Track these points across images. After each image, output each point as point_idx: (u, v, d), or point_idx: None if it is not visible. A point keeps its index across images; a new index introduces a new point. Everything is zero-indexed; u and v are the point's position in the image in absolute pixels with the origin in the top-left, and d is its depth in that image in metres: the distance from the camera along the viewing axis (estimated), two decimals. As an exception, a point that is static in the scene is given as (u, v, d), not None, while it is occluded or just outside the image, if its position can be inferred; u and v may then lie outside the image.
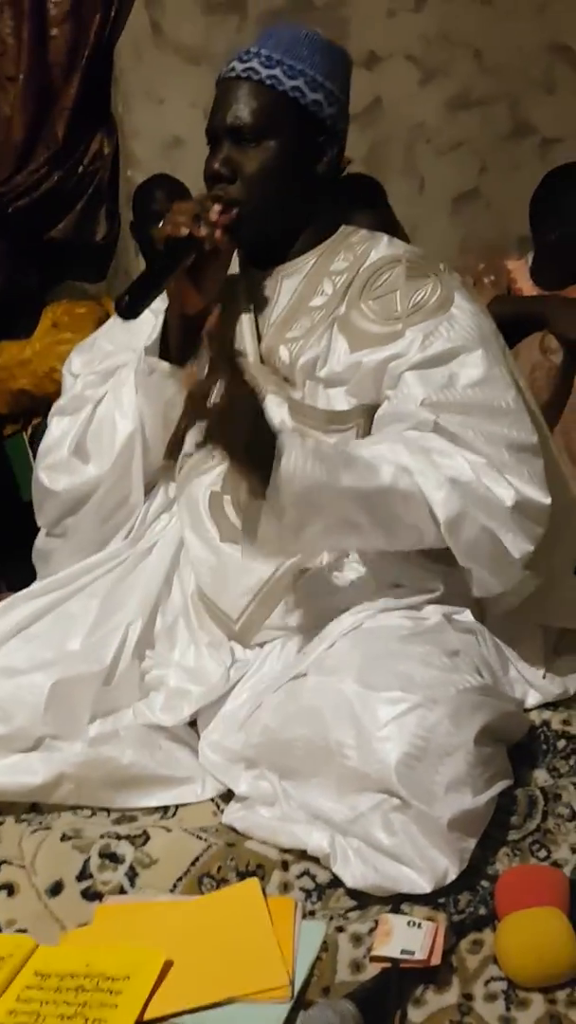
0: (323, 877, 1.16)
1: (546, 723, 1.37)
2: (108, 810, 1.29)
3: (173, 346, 1.38)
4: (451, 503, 1.23)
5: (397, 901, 1.10)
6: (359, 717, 1.13)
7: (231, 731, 1.29)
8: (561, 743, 1.34)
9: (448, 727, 1.12)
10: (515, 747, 1.29)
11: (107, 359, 1.47)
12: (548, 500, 1.28)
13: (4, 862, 1.20)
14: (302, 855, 1.17)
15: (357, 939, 1.07)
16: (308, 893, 1.15)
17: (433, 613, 1.31)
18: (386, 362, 1.31)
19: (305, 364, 1.36)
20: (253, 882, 1.15)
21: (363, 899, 1.12)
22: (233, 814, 1.24)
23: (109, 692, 1.32)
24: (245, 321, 1.41)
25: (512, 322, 2.06)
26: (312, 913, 1.12)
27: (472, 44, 2.85)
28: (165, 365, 1.37)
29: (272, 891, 1.15)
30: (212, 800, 1.29)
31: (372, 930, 1.07)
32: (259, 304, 1.41)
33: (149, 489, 1.46)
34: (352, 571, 1.34)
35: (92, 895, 1.17)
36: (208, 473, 1.39)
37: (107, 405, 1.42)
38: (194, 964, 1.06)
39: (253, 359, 1.39)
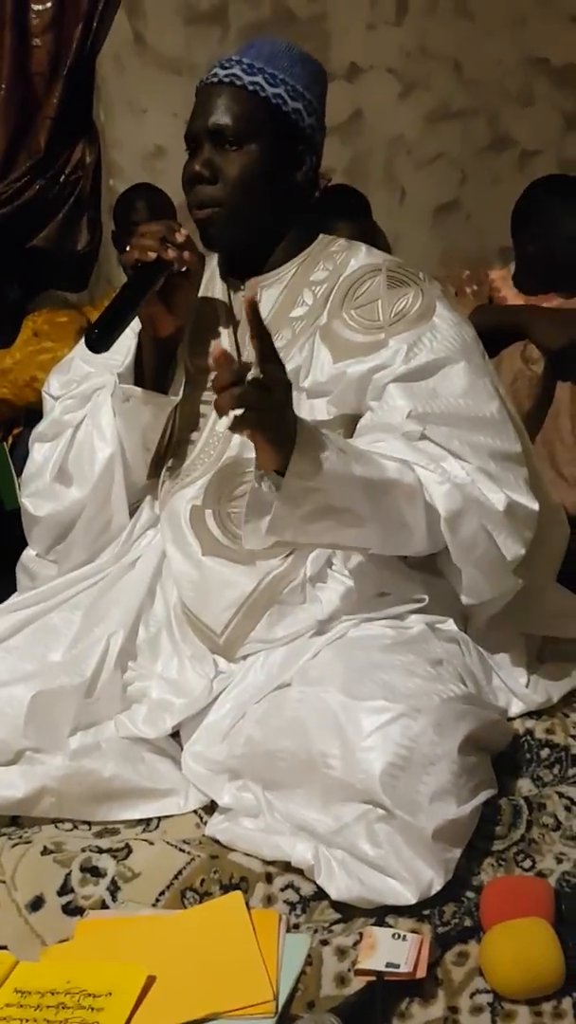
0: (307, 889, 1.15)
1: (530, 732, 1.37)
2: (90, 823, 1.28)
3: (148, 369, 1.38)
4: (453, 498, 1.24)
5: (382, 913, 1.09)
6: (343, 727, 1.12)
7: (214, 742, 1.28)
8: (545, 752, 1.34)
9: (432, 736, 1.11)
10: (499, 756, 1.29)
11: (85, 381, 1.46)
12: (536, 506, 1.30)
13: (-17, 877, 1.19)
14: (286, 867, 1.16)
15: (342, 952, 1.07)
16: (292, 906, 1.14)
17: (416, 622, 1.31)
18: (370, 373, 1.31)
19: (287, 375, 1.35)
20: (237, 895, 1.14)
21: (348, 911, 1.11)
22: (216, 826, 1.23)
23: (91, 704, 1.31)
24: (224, 333, 1.41)
25: (494, 332, 2.08)
26: (296, 926, 1.12)
27: (451, 57, 2.87)
28: (139, 391, 1.37)
29: (256, 904, 1.14)
30: (195, 812, 1.28)
31: (357, 943, 1.06)
32: (239, 315, 1.41)
33: (135, 508, 1.45)
34: (335, 581, 1.34)
35: (73, 910, 1.16)
36: (189, 487, 1.38)
37: (86, 429, 1.42)
38: (177, 980, 1.05)
39: None
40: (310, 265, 1.41)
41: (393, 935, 1.05)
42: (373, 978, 1.02)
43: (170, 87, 2.78)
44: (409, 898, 1.08)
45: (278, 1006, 1.02)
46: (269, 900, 1.15)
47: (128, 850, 1.21)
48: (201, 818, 1.28)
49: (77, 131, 2.70)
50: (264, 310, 1.38)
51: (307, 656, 1.26)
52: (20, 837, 1.25)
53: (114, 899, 1.16)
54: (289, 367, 1.33)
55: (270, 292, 1.40)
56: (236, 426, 1.11)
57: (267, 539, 1.19)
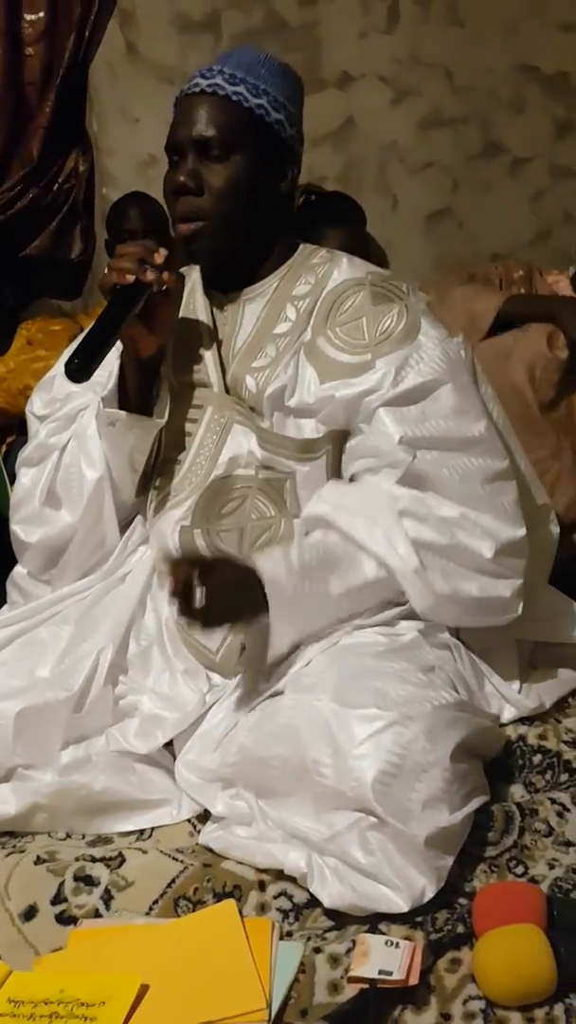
0: (300, 897, 1.15)
1: (522, 738, 1.37)
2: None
3: (131, 390, 1.37)
4: (425, 597, 1.27)
5: (374, 920, 1.09)
6: (335, 735, 1.12)
7: (207, 751, 1.28)
8: (537, 758, 1.34)
9: (424, 744, 1.12)
10: (491, 762, 1.30)
11: (68, 400, 1.45)
12: (523, 531, 1.32)
13: (-23, 887, 1.19)
14: (279, 875, 1.16)
15: (335, 960, 1.07)
16: (285, 914, 1.14)
17: (408, 629, 1.31)
18: (360, 397, 1.31)
19: (272, 394, 1.34)
20: (230, 903, 1.14)
21: (340, 919, 1.12)
22: (209, 834, 1.23)
23: (81, 719, 1.31)
24: (206, 350, 1.40)
25: (524, 321, 2.09)
26: (289, 934, 1.12)
27: (443, 65, 2.88)
28: (124, 416, 1.36)
29: (249, 912, 1.14)
30: (188, 821, 1.29)
31: (350, 950, 1.06)
32: (221, 331, 1.40)
33: (128, 524, 1.45)
34: None
35: (67, 919, 1.16)
36: (177, 508, 1.38)
37: (72, 453, 1.41)
38: (170, 988, 1.05)
39: (218, 389, 1.39)
40: (292, 278, 1.40)
41: (386, 942, 1.05)
42: (366, 985, 1.02)
43: (163, 96, 2.77)
44: (402, 906, 1.08)
45: (271, 1014, 1.02)
46: (262, 908, 1.15)
47: (121, 859, 1.21)
48: (194, 826, 1.28)
49: (70, 140, 2.71)
50: (247, 325, 1.38)
51: (299, 663, 1.27)
52: (13, 846, 1.25)
53: (107, 908, 1.16)
54: (274, 386, 1.34)
55: (253, 306, 1.39)
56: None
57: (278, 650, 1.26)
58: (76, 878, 1.18)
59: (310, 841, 1.14)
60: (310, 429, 1.34)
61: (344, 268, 1.40)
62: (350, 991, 1.03)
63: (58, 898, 1.17)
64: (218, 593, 1.18)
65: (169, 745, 1.33)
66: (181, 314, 1.40)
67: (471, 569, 1.28)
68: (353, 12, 2.82)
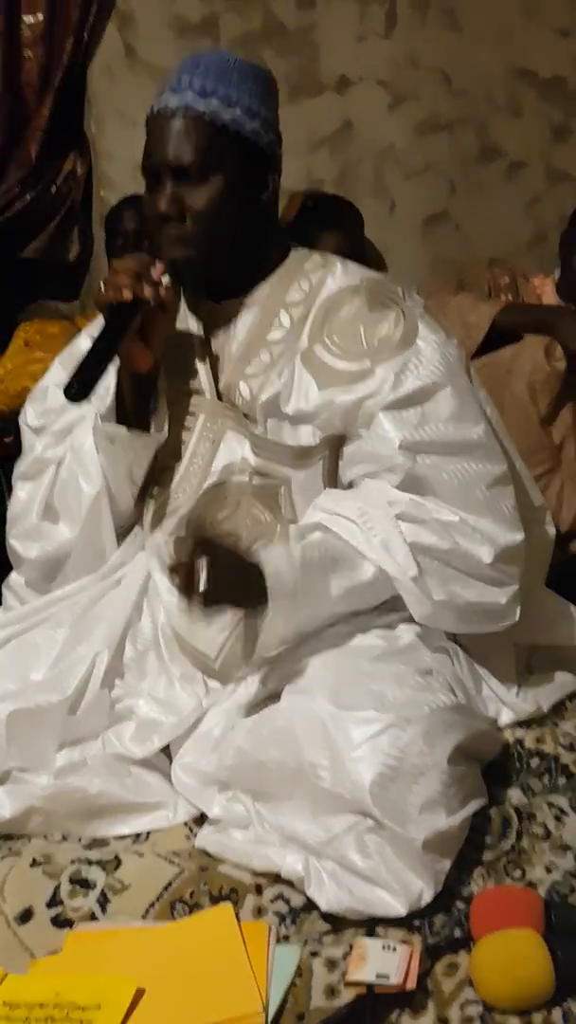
0: (297, 901, 1.15)
1: (519, 741, 1.37)
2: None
3: (129, 406, 1.35)
4: (423, 605, 1.27)
5: (372, 924, 1.09)
6: (332, 738, 1.12)
7: (204, 753, 1.28)
8: (535, 761, 1.34)
9: (421, 747, 1.12)
10: (489, 766, 1.30)
11: (63, 412, 1.43)
12: (521, 535, 1.32)
13: (-28, 890, 1.18)
14: (276, 878, 1.16)
15: (332, 964, 1.07)
16: (282, 917, 1.14)
17: (406, 632, 1.31)
18: (360, 402, 1.30)
19: (267, 400, 1.34)
20: (226, 907, 1.13)
21: (338, 923, 1.11)
22: (206, 837, 1.23)
23: (76, 722, 1.30)
24: (199, 358, 1.39)
25: (519, 331, 2.08)
26: (286, 938, 1.11)
27: (440, 69, 2.88)
28: (124, 432, 1.34)
29: (246, 915, 1.14)
30: (185, 823, 1.28)
31: (347, 954, 1.06)
32: (213, 338, 1.39)
33: (126, 533, 1.44)
34: None
35: (62, 922, 1.15)
36: (172, 516, 1.37)
37: (69, 467, 1.40)
38: (166, 992, 1.04)
39: (210, 396, 1.38)
40: (284, 284, 1.38)
41: (383, 946, 1.04)
42: (363, 989, 1.02)
43: (161, 98, 2.78)
44: (399, 909, 1.08)
45: (268, 1018, 1.01)
46: (259, 911, 1.14)
47: (118, 862, 1.20)
48: (191, 829, 1.27)
49: (68, 142, 2.71)
50: (240, 333, 1.37)
51: (297, 666, 1.26)
52: (9, 849, 1.24)
53: (103, 911, 1.16)
54: (268, 392, 1.33)
55: (245, 313, 1.37)
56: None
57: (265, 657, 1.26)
58: (72, 881, 1.18)
59: (307, 844, 1.13)
60: (307, 436, 1.33)
61: (338, 274, 1.38)
62: (347, 995, 1.03)
63: (54, 901, 1.16)
64: (221, 577, 1.16)
65: (165, 748, 1.33)
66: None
67: (469, 574, 1.28)
68: (351, 16, 2.82)
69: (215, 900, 1.15)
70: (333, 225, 2.46)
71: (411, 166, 2.95)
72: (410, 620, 1.32)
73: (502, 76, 2.94)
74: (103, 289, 1.28)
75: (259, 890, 1.16)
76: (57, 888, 1.17)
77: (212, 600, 1.17)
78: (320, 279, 1.37)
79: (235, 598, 1.21)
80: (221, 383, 1.38)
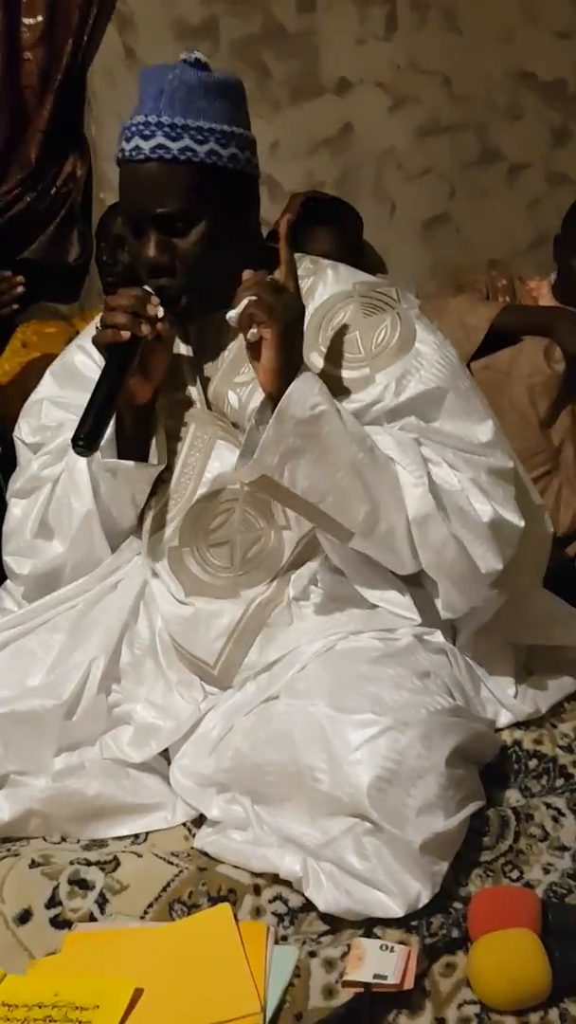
0: (295, 901, 1.15)
1: (518, 743, 1.37)
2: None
3: (129, 434, 1.34)
4: (424, 502, 1.23)
5: (369, 924, 1.09)
6: (330, 740, 1.13)
7: (202, 755, 1.28)
8: (533, 763, 1.35)
9: (419, 749, 1.12)
10: (487, 767, 1.30)
11: (59, 430, 1.42)
12: (522, 523, 1.31)
13: (-29, 890, 1.18)
14: (274, 879, 1.16)
15: (330, 964, 1.07)
16: (280, 918, 1.14)
17: (404, 634, 1.31)
18: (363, 411, 1.29)
19: (256, 409, 1.31)
20: (225, 907, 1.14)
21: (335, 923, 1.12)
22: (205, 838, 1.23)
23: (73, 727, 1.30)
24: (187, 367, 1.38)
25: (519, 332, 2.08)
26: (284, 938, 1.12)
27: (441, 72, 2.89)
28: (125, 465, 1.32)
29: (244, 916, 1.14)
30: (184, 824, 1.29)
31: (344, 955, 1.06)
32: (203, 348, 1.38)
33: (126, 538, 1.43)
34: (321, 599, 1.33)
35: (61, 923, 1.16)
36: (167, 526, 1.36)
37: (64, 485, 1.39)
38: (165, 992, 1.05)
39: (200, 406, 1.37)
40: None
41: (381, 947, 1.05)
42: (361, 990, 1.02)
43: (161, 101, 2.78)
44: (397, 911, 1.08)
45: (265, 1018, 1.02)
46: (257, 912, 1.15)
47: (116, 863, 1.21)
48: (189, 830, 1.28)
49: (68, 144, 2.71)
50: (230, 342, 1.36)
51: (295, 669, 1.27)
52: (8, 850, 1.24)
53: (102, 912, 1.16)
54: (258, 401, 1.31)
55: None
56: (255, 308, 1.15)
57: (256, 469, 1.19)
58: (71, 882, 1.18)
59: (305, 847, 1.14)
60: None
61: (330, 281, 1.37)
62: (345, 995, 1.03)
63: (53, 902, 1.17)
64: (285, 315, 1.17)
65: (164, 750, 1.33)
66: None
67: (465, 524, 1.26)
68: (351, 19, 2.82)
69: (213, 901, 1.16)
70: (329, 225, 2.46)
71: (411, 169, 2.95)
72: (408, 623, 1.32)
73: (502, 79, 2.94)
74: (102, 330, 1.26)
75: (257, 891, 1.16)
76: (56, 889, 1.18)
77: (277, 329, 1.16)
78: (311, 287, 1.36)
79: (287, 351, 1.18)
80: (210, 392, 1.37)
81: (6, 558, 1.46)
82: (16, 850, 1.24)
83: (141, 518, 1.41)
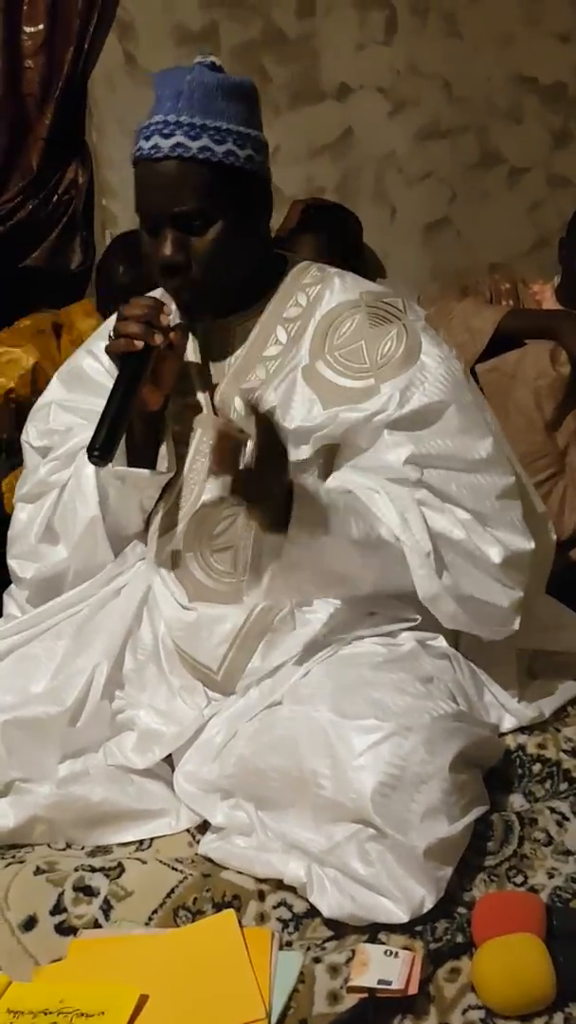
0: (300, 907, 1.15)
1: (521, 747, 1.37)
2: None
3: (140, 443, 1.34)
4: (431, 585, 1.26)
5: (374, 930, 1.09)
6: (334, 746, 1.13)
7: (206, 761, 1.28)
8: (537, 767, 1.35)
9: (423, 755, 1.12)
10: (491, 772, 1.30)
11: (68, 435, 1.43)
12: (532, 545, 1.31)
13: (-24, 898, 1.19)
14: (279, 885, 1.17)
15: (334, 969, 1.07)
16: (285, 923, 1.14)
17: (407, 639, 1.31)
18: (366, 420, 1.29)
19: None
20: (229, 913, 1.14)
21: (340, 929, 1.12)
22: (209, 844, 1.23)
23: (77, 733, 1.31)
24: (195, 371, 1.38)
25: (524, 336, 2.08)
26: (289, 944, 1.12)
27: (441, 76, 2.89)
28: (134, 473, 1.32)
29: (248, 922, 1.14)
30: (188, 831, 1.29)
31: (349, 960, 1.06)
32: (211, 352, 1.38)
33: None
34: (324, 604, 1.33)
35: (66, 929, 1.16)
36: (172, 531, 1.36)
37: (70, 491, 1.40)
38: (170, 998, 1.05)
39: (206, 410, 1.37)
40: (283, 299, 1.37)
41: (385, 952, 1.05)
42: (365, 995, 1.02)
43: (162, 107, 2.79)
44: (401, 916, 1.08)
45: (271, 1024, 1.02)
46: (262, 918, 1.15)
47: (121, 869, 1.21)
48: (194, 836, 1.28)
49: (69, 151, 2.72)
50: (238, 348, 1.36)
51: (298, 674, 1.27)
52: (13, 857, 1.25)
53: (107, 918, 1.17)
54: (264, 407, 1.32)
55: (243, 329, 1.37)
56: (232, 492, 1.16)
57: (263, 588, 1.24)
58: (76, 888, 1.18)
59: (309, 852, 1.14)
60: (304, 450, 1.32)
61: (336, 289, 1.37)
62: (349, 1001, 1.04)
63: (58, 908, 1.17)
64: (265, 457, 1.14)
65: (167, 756, 1.33)
66: None
67: (477, 570, 1.27)
68: (351, 23, 2.83)
69: (218, 907, 1.16)
70: (327, 230, 2.46)
71: (412, 173, 2.95)
72: (410, 628, 1.32)
73: (502, 82, 2.95)
74: (115, 339, 1.26)
75: (262, 896, 1.16)
76: (61, 896, 1.18)
77: (254, 478, 1.14)
78: (318, 294, 1.37)
79: (273, 479, 1.17)
80: (216, 398, 1.38)
81: (10, 561, 1.47)
82: (21, 857, 1.25)
83: (147, 523, 1.41)
